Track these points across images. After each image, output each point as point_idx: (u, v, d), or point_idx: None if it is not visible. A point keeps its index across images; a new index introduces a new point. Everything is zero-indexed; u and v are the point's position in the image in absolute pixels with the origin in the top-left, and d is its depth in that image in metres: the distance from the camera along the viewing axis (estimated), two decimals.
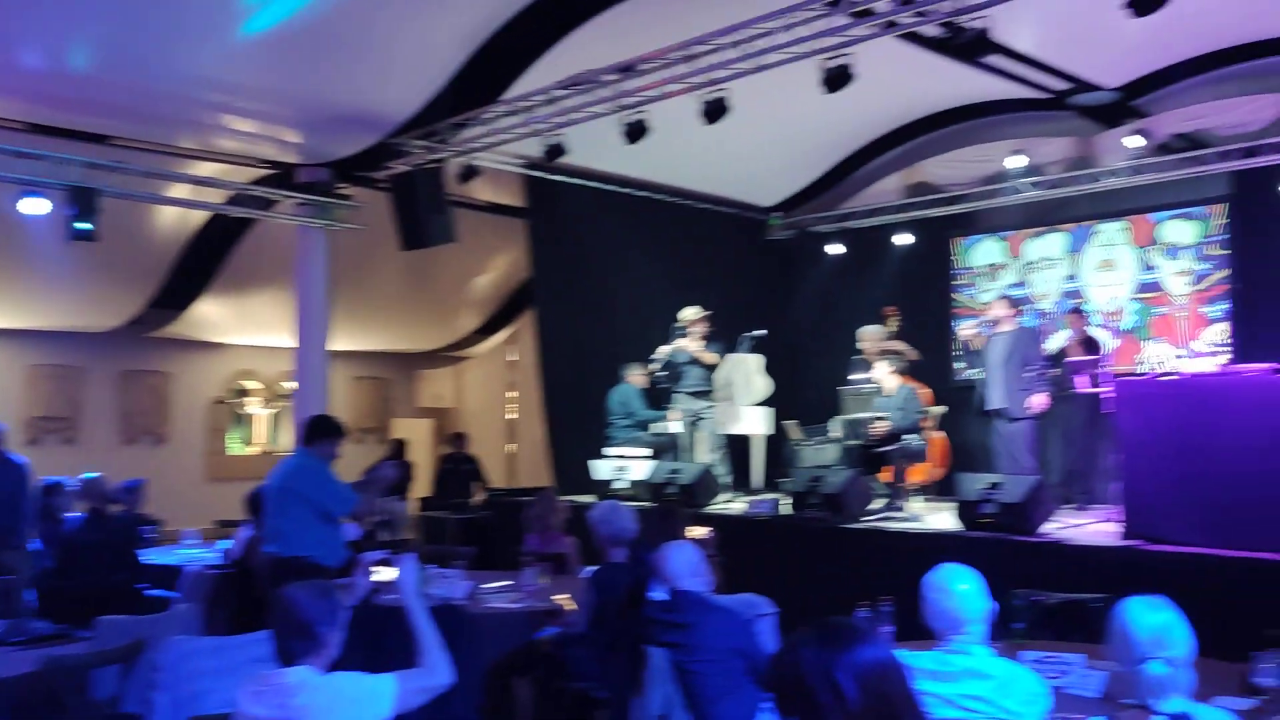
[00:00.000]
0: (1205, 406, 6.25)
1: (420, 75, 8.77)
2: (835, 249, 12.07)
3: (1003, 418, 8.34)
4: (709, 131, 7.71)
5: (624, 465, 9.46)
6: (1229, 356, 9.36)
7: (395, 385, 16.22)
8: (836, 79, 6.78)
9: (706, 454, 9.58)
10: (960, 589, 2.98)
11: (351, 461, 8.95)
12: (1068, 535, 6.87)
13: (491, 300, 14.61)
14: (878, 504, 8.18)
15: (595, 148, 9.26)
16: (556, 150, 8.56)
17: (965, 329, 8.66)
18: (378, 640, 3.76)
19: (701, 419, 9.64)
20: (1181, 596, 5.51)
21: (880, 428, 8.45)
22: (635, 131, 7.95)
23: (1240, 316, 9.55)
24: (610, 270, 10.99)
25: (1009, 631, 4.65)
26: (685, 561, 4.00)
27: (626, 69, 7.87)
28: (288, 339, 10.74)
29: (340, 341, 13.75)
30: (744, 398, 10.51)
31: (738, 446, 10.33)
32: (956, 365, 11.23)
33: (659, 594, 4.06)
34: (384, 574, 3.77)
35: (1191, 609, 5.41)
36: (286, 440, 14.00)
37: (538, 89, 8.39)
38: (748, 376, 10.54)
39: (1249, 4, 6.84)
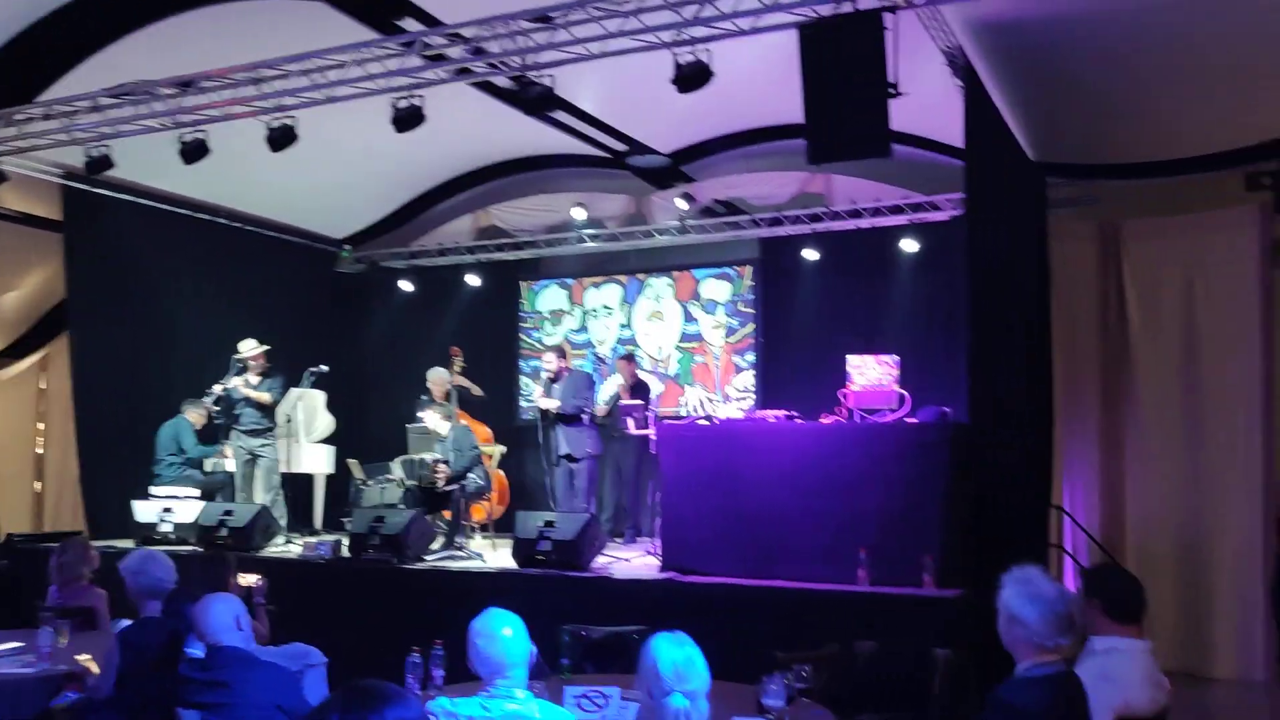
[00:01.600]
0: (733, 449, 6.94)
1: None
2: (406, 286, 12.08)
3: (571, 460, 8.73)
4: (278, 158, 7.45)
5: (170, 507, 8.78)
6: (753, 401, 10.45)
7: None
8: (407, 119, 6.82)
9: (263, 494, 9.14)
10: (504, 633, 3.07)
11: None
12: (615, 570, 7.29)
13: (19, 320, 12.96)
14: (439, 544, 8.21)
15: (150, 163, 8.60)
16: (101, 163, 7.87)
17: (543, 402, 8.96)
18: None
19: (258, 457, 9.18)
20: (711, 624, 6.05)
21: (441, 469, 8.53)
22: (194, 151, 7.50)
23: (764, 366, 10.69)
24: (164, 295, 10.21)
25: (557, 667, 4.85)
26: (224, 614, 3.78)
27: (186, 84, 7.41)
28: None
29: None
30: (306, 435, 10.17)
31: (300, 486, 9.96)
32: (523, 405, 11.60)
33: (195, 651, 3.81)
34: None
35: (719, 635, 5.95)
36: None
37: (82, 94, 7.66)
38: (311, 413, 10.23)
39: (773, 91, 7.72)
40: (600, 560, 7.40)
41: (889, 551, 6.27)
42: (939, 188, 9.59)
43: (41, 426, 13.54)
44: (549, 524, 7.19)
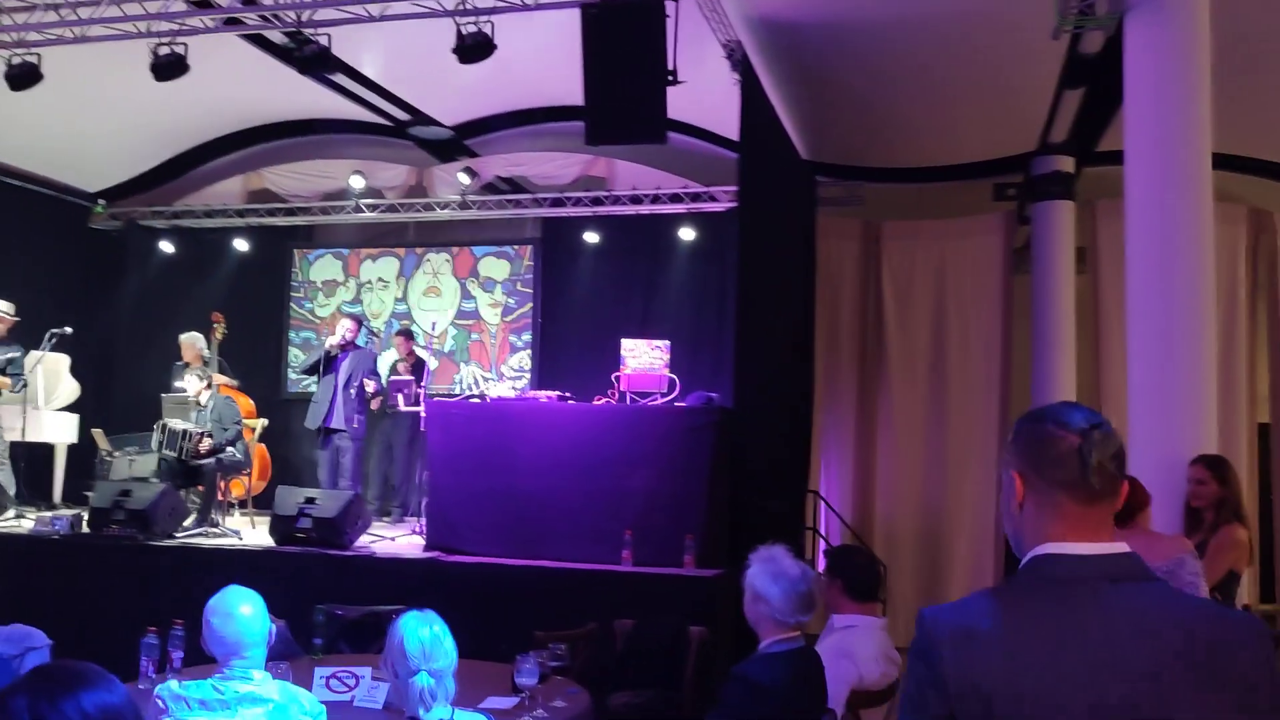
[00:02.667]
0: (504, 428, 6.88)
1: None
2: (167, 247, 11.36)
3: (342, 436, 8.42)
4: (21, 99, 6.86)
5: None
6: (528, 381, 10.42)
7: None
8: (168, 67, 6.42)
9: None
10: (241, 612, 2.92)
11: None
12: (378, 548, 7.12)
13: None
14: (192, 520, 7.78)
15: None
16: None
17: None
18: None
19: None
20: (474, 604, 6.01)
21: (201, 441, 8.09)
22: None
23: (540, 346, 10.68)
24: None
25: (310, 647, 4.70)
26: None
27: None
28: None
29: None
30: (45, 402, 9.43)
31: (38, 457, 9.22)
32: (292, 377, 11.14)
33: None
34: None
35: (483, 615, 5.91)
36: None
37: None
38: (52, 378, 9.49)
39: (560, 72, 7.69)
40: (364, 539, 7.20)
41: (654, 532, 6.39)
42: (717, 179, 9.81)
43: None
44: (310, 501, 6.93)
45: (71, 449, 9.64)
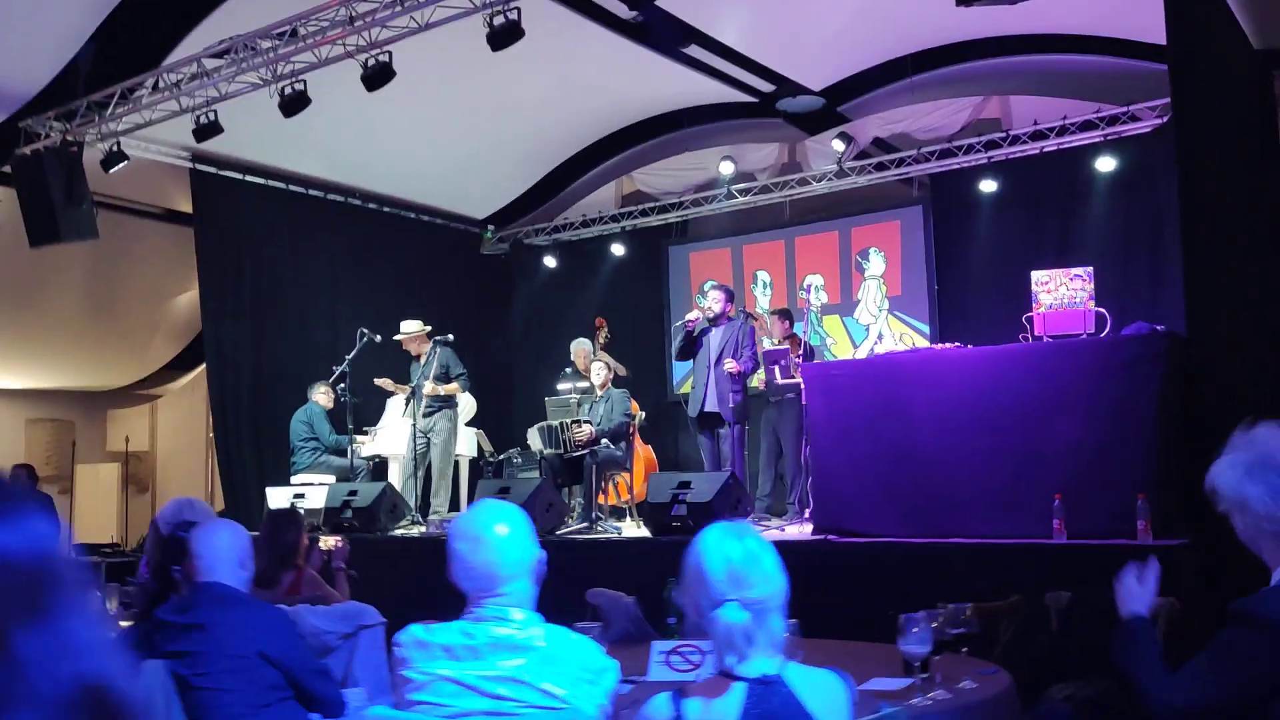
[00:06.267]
0: (894, 385, 5.82)
1: (45, 44, 7.56)
2: (550, 262, 11.44)
3: (718, 422, 7.71)
4: (414, 136, 7.00)
5: (303, 492, 8.37)
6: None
7: (81, 427, 14.27)
8: (504, 34, 6.14)
9: (435, 475, 8.62)
10: (496, 533, 2.16)
11: None
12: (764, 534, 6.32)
13: (189, 327, 13.04)
14: (575, 517, 7.43)
15: (285, 146, 8.33)
16: (210, 129, 7.53)
17: (729, 364, 7.63)
18: None
19: (432, 440, 8.60)
20: (874, 586, 5.03)
21: (584, 432, 7.76)
22: (293, 103, 7.07)
23: (939, 313, 9.45)
24: (297, 281, 9.86)
25: (663, 627, 3.99)
26: (227, 548, 3.03)
27: (283, 33, 6.98)
28: None
29: (8, 377, 12.01)
30: None
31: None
32: (677, 378, 10.75)
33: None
34: None
35: (883, 600, 4.90)
36: None
37: (185, 58, 7.38)
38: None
39: (929, 4, 6.61)
40: None
41: (1089, 496, 5.08)
42: (1138, 96, 8.22)
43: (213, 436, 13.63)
44: (684, 485, 6.28)
45: (472, 462, 9.76)
